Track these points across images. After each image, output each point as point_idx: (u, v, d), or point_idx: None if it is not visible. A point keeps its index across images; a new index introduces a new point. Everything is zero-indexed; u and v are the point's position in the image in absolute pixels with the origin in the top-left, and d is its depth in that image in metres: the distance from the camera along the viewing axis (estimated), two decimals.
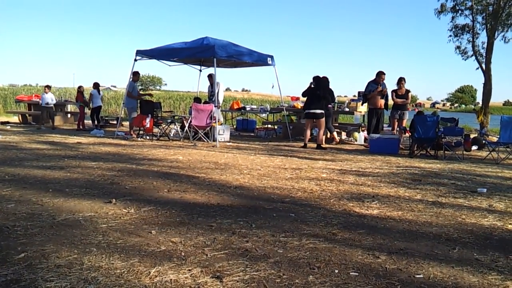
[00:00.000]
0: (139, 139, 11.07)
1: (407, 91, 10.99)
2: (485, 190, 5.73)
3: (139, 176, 5.96)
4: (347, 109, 12.69)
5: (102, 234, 3.48)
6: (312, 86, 10.53)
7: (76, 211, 4.14)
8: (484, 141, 11.39)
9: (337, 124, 13.23)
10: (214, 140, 10.37)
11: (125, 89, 13.55)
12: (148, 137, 11.22)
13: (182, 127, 11.98)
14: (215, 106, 10.83)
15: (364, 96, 11.47)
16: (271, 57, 11.85)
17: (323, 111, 10.27)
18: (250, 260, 3.02)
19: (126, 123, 15.27)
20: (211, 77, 12.03)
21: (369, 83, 11.22)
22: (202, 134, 10.79)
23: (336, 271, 2.88)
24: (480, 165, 8.38)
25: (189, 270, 2.81)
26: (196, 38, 11.23)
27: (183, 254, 3.10)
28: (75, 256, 2.99)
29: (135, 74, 12.15)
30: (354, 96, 14.41)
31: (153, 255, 3.06)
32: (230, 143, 10.76)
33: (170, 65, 12.79)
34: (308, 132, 10.68)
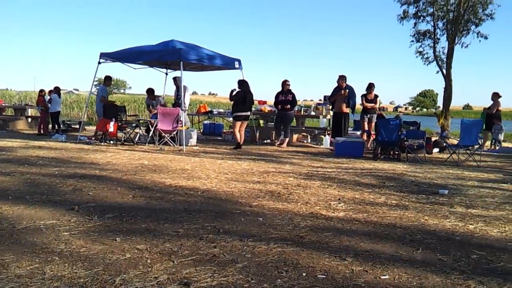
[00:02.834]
0: (102, 143, 10.81)
1: (376, 96, 11.31)
2: (446, 191, 5.91)
3: (103, 182, 5.82)
4: (313, 113, 12.83)
5: (64, 242, 3.37)
6: (237, 90, 10.74)
7: (37, 218, 4.00)
8: (445, 144, 11.75)
9: (303, 128, 13.36)
10: (181, 145, 10.25)
11: (88, 93, 13.27)
12: (112, 142, 10.97)
13: (148, 131, 11.80)
14: (181, 110, 10.72)
15: (329, 100, 11.78)
16: (238, 60, 11.85)
17: (249, 113, 10.84)
18: (218, 265, 3.00)
19: (89, 128, 14.87)
20: (175, 80, 11.89)
21: (334, 88, 11.51)
22: (168, 138, 10.66)
23: (304, 274, 2.90)
24: (441, 167, 8.65)
25: (156, 277, 2.76)
26: (162, 41, 11.11)
27: (149, 261, 3.04)
28: (36, 265, 2.88)
29: (108, 79, 12.26)
30: (320, 100, 14.60)
31: (118, 263, 2.99)
32: (197, 147, 10.67)
33: (135, 68, 12.58)
34: (239, 134, 10.80)
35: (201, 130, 15.62)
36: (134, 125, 12.12)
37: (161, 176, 6.41)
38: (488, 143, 13.55)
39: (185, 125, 10.98)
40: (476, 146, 9.89)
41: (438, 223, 4.34)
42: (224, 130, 15.15)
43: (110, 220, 4.04)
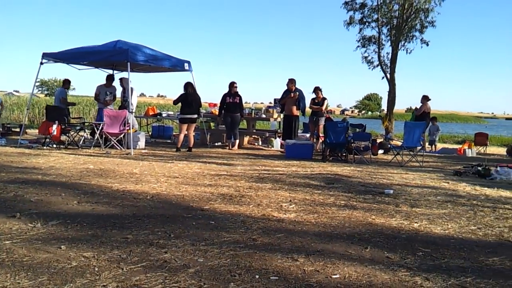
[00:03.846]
0: (45, 147, 10.32)
1: (323, 99, 11.58)
2: (391, 191, 6.13)
3: (46, 188, 5.54)
4: (263, 116, 12.92)
5: (6, 251, 3.17)
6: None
7: None
8: (389, 145, 12.21)
9: (254, 130, 13.42)
10: (128, 148, 9.97)
11: (30, 94, 12.70)
12: (55, 146, 10.49)
13: (93, 134, 11.38)
14: (128, 112, 10.44)
15: (279, 103, 11.98)
16: (188, 62, 11.70)
17: (196, 116, 10.78)
18: (169, 271, 2.93)
19: (30, 131, 14.17)
20: (122, 81, 11.57)
21: (284, 91, 11.70)
22: (115, 141, 10.34)
23: (257, 276, 2.89)
24: (386, 168, 8.97)
25: (104, 286, 2.65)
26: (108, 41, 10.77)
27: (96, 269, 2.91)
28: None
29: (67, 82, 12.19)
30: (270, 103, 14.73)
31: (64, 272, 2.85)
32: (146, 151, 10.42)
33: (79, 69, 12.12)
34: (181, 136, 10.77)
35: (150, 133, 15.31)
36: (78, 128, 11.66)
37: (107, 181, 6.20)
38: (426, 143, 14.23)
39: (132, 128, 10.70)
40: (419, 148, 10.34)
41: (385, 222, 4.48)
42: (174, 133, 14.92)
43: (54, 227, 3.85)
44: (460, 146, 16.25)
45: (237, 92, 11.49)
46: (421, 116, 12.64)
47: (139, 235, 3.72)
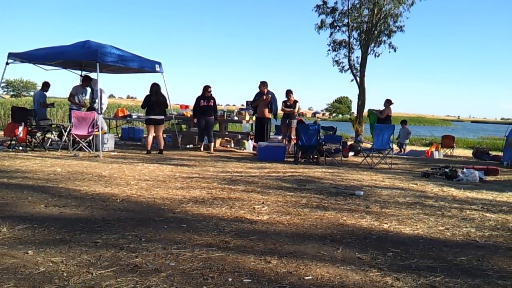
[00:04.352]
0: (10, 150, 9.99)
1: (295, 101, 11.65)
2: (362, 192, 6.22)
3: (12, 191, 5.35)
4: (236, 118, 12.91)
5: None
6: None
7: None
8: (359, 148, 12.41)
9: (226, 133, 13.38)
10: (97, 150, 9.76)
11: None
12: (21, 148, 10.17)
13: (60, 136, 11.09)
14: (97, 114, 10.23)
15: (251, 105, 12.00)
16: (159, 63, 11.57)
17: (162, 117, 10.61)
18: (141, 275, 2.87)
19: None
20: (91, 82, 11.34)
21: (257, 93, 11.72)
22: (83, 143, 10.10)
23: (230, 279, 2.87)
24: (356, 170, 9.10)
25: None
26: (77, 41, 10.53)
27: (65, 274, 2.83)
28: None
29: (46, 85, 12.04)
30: (243, 105, 14.73)
31: (31, 277, 2.75)
32: (115, 153, 10.23)
33: (47, 69, 11.80)
34: (150, 138, 10.70)
35: (119, 135, 15.06)
36: (45, 129, 11.34)
37: (76, 184, 6.05)
38: (394, 146, 14.54)
39: (101, 130, 10.48)
40: (388, 150, 10.54)
41: (356, 223, 4.54)
42: (144, 135, 14.73)
43: (21, 232, 3.72)
44: (428, 148, 16.66)
45: (211, 95, 11.44)
46: (384, 120, 12.91)
47: (109, 239, 3.64)
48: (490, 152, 14.78)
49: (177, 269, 3.02)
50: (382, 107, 13.41)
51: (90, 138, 10.21)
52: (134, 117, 14.55)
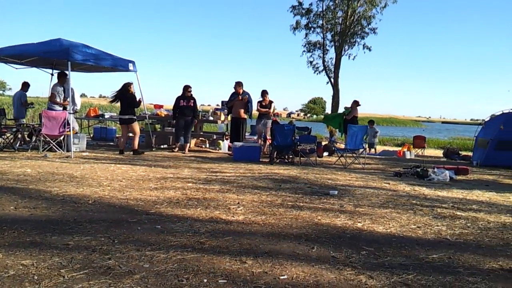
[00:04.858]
0: None
1: (270, 102, 11.69)
2: (336, 192, 6.28)
3: None
4: (211, 118, 12.85)
5: None
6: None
7: None
8: (333, 148, 12.54)
9: (201, 133, 13.30)
10: (68, 150, 9.55)
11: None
12: None
13: (30, 136, 10.80)
14: (69, 113, 10.00)
15: (226, 105, 11.98)
16: (133, 62, 11.39)
17: (130, 117, 10.45)
18: (114, 278, 2.82)
19: None
20: (66, 77, 11.08)
21: (232, 93, 11.70)
22: (54, 144, 9.86)
23: (205, 280, 2.85)
24: (331, 170, 9.19)
25: None
26: (48, 39, 10.27)
27: (36, 277, 2.76)
28: None
29: (26, 85, 11.87)
30: (218, 105, 14.68)
31: (1, 281, 2.68)
32: (87, 153, 10.03)
33: (16, 68, 11.47)
34: (122, 138, 10.63)
35: (91, 135, 14.78)
36: (14, 129, 11.02)
37: (46, 185, 5.90)
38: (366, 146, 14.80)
39: (73, 130, 10.26)
40: (361, 150, 10.69)
41: (330, 222, 4.58)
42: (117, 135, 14.52)
43: None
44: (400, 148, 17.00)
45: (191, 95, 11.35)
46: (351, 121, 13.16)
47: (81, 241, 3.56)
48: (460, 152, 15.20)
49: (151, 270, 2.98)
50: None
51: (61, 138, 9.98)
52: (106, 116, 14.30)
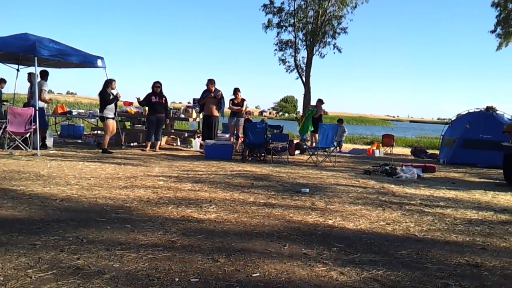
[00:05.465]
0: None
1: (243, 100, 11.68)
2: (307, 190, 6.34)
3: None
4: (182, 116, 12.73)
5: None
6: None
7: None
8: (305, 146, 12.65)
9: (173, 131, 13.16)
10: (35, 148, 9.28)
11: None
12: None
13: None
14: (35, 110, 9.72)
15: (198, 103, 11.89)
16: (101, 58, 11.14)
17: (101, 114, 10.44)
18: (83, 278, 2.76)
19: None
20: (30, 76, 10.76)
21: (204, 91, 11.62)
22: (19, 141, 9.56)
23: (177, 279, 2.83)
24: (302, 168, 9.27)
25: None
26: (13, 33, 9.94)
27: (1, 278, 2.67)
28: None
29: (3, 81, 11.89)
30: (189, 102, 14.57)
31: None
32: (54, 151, 9.77)
33: None
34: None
35: (59, 132, 14.42)
36: None
37: (12, 184, 5.71)
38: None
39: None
40: (332, 148, 10.83)
41: (302, 219, 4.62)
42: (85, 132, 14.20)
43: None
44: (369, 146, 17.30)
45: (162, 92, 11.21)
46: (318, 119, 13.41)
47: (48, 241, 3.47)
48: (427, 151, 15.60)
49: (121, 270, 2.93)
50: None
51: (27, 135, 9.70)
52: (74, 113, 13.96)
